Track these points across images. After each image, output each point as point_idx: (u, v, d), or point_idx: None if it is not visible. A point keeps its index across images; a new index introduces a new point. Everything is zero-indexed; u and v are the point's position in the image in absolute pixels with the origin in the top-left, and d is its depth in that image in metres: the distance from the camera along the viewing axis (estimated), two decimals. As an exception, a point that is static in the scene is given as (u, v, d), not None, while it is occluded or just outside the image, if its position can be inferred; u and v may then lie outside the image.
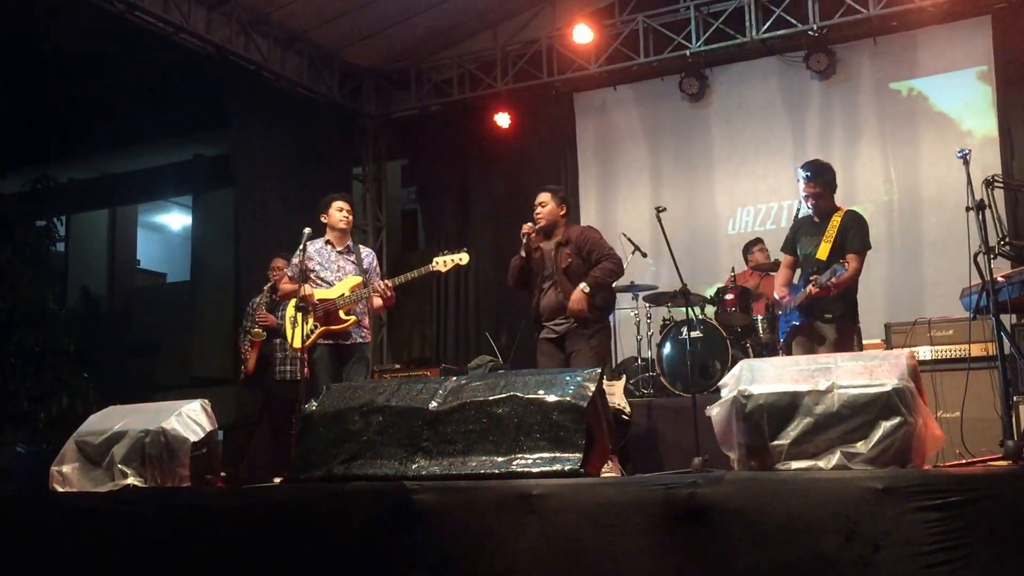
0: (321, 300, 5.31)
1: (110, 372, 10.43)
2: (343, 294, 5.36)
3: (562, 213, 5.32)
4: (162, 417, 4.30)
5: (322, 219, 5.60)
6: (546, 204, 5.29)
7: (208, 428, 4.39)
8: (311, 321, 5.28)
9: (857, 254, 4.94)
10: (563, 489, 3.12)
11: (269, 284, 6.62)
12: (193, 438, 4.27)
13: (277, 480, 5.76)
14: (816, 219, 5.16)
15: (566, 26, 9.05)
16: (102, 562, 3.78)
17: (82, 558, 3.83)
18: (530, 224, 5.25)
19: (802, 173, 5.11)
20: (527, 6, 9.38)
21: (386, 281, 5.40)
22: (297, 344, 5.16)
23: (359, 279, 5.46)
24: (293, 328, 5.17)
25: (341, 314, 5.32)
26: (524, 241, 5.25)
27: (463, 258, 5.38)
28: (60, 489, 4.35)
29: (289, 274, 5.54)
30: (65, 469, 4.38)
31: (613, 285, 5.37)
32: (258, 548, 3.51)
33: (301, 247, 5.34)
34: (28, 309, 9.21)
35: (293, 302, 5.26)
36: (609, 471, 4.92)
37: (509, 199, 9.49)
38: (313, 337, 5.28)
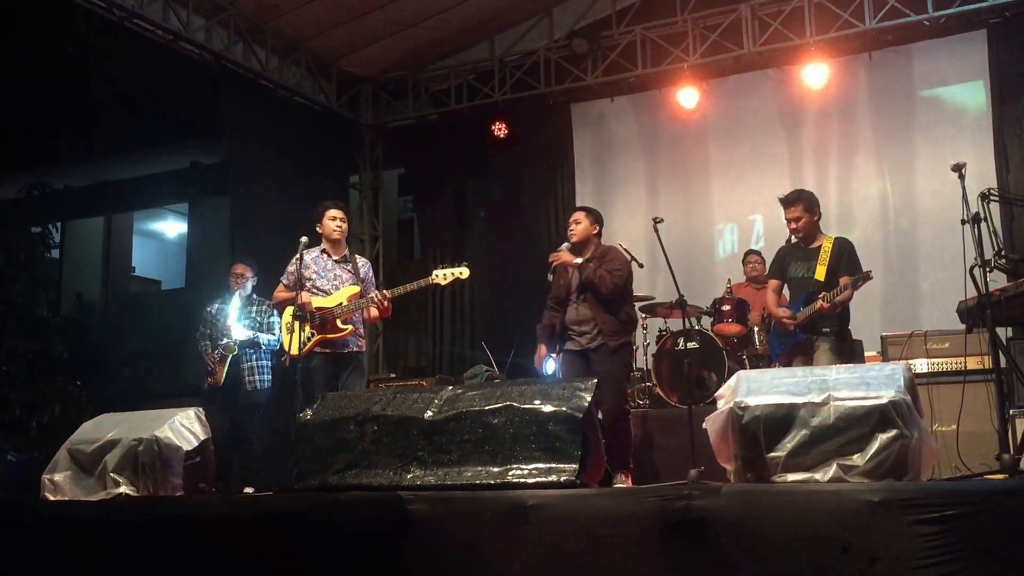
0: (318, 308, 5.30)
1: (103, 380, 10.38)
2: (341, 303, 5.35)
3: (595, 232, 5.39)
4: (155, 425, 4.29)
5: (317, 228, 5.58)
6: (580, 222, 5.36)
7: (202, 436, 4.38)
8: (308, 329, 5.27)
9: (850, 276, 5.10)
10: (559, 500, 3.12)
11: (233, 292, 6.39)
12: (186, 447, 4.26)
13: (248, 490, 5.74)
14: (803, 245, 5.35)
15: (563, 37, 9.08)
16: (94, 572, 3.75)
17: (74, 568, 3.80)
18: (560, 252, 5.29)
19: (781, 203, 5.33)
20: (525, 17, 9.40)
21: (384, 292, 5.38)
22: (294, 351, 5.13)
23: (356, 288, 5.44)
24: (289, 335, 5.14)
25: (339, 323, 5.31)
26: (550, 278, 5.34)
27: (463, 272, 5.35)
28: (52, 498, 4.32)
29: (285, 282, 5.52)
30: (57, 477, 4.36)
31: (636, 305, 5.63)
32: (252, 558, 3.49)
33: (297, 256, 5.33)
34: (21, 315, 9.18)
35: (289, 309, 5.24)
36: (622, 484, 4.91)
37: (505, 209, 9.50)
38: (310, 345, 5.27)
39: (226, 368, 6.18)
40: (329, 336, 5.31)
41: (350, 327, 5.35)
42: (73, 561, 3.81)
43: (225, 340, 6.17)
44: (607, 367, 5.09)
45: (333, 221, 5.52)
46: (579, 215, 5.43)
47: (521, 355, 7.41)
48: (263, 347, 6.27)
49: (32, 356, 9.21)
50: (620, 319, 5.28)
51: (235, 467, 6.29)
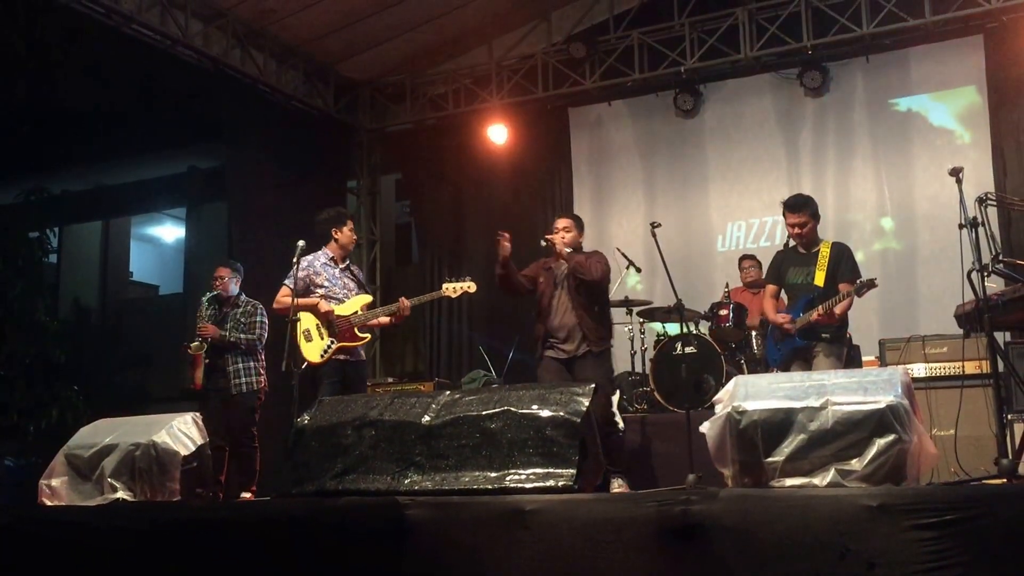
0: (337, 317, 5.40)
1: (101, 384, 10.36)
2: (356, 311, 5.49)
3: (581, 240, 5.48)
4: (153, 430, 4.28)
5: (333, 233, 5.64)
6: (571, 230, 5.40)
7: (199, 441, 4.37)
8: (327, 337, 5.38)
9: (850, 283, 5.09)
10: (557, 505, 3.11)
11: (213, 294, 6.19)
12: (184, 452, 4.25)
13: (247, 495, 5.75)
14: (802, 250, 5.32)
15: (561, 42, 9.09)
16: (90, 577, 3.74)
17: (71, 573, 3.79)
18: (557, 237, 5.31)
19: (785, 209, 5.30)
20: (522, 21, 9.41)
21: (405, 300, 5.50)
22: (316, 359, 5.30)
23: (368, 297, 5.63)
24: (308, 343, 5.26)
25: (356, 331, 5.47)
26: (544, 245, 5.34)
27: (471, 286, 5.48)
28: (49, 503, 4.31)
29: (289, 286, 5.52)
30: (54, 483, 4.35)
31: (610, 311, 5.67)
32: (250, 564, 3.48)
33: (295, 260, 5.36)
34: (19, 320, 9.16)
35: (307, 316, 5.34)
36: (620, 488, 4.92)
37: (503, 213, 9.49)
38: (330, 353, 5.36)
39: (200, 370, 5.97)
40: (348, 344, 5.44)
41: (368, 336, 5.55)
42: (70, 567, 3.80)
43: (195, 342, 5.96)
44: (592, 374, 5.05)
45: (353, 232, 5.68)
46: (567, 223, 5.46)
47: (522, 350, 7.40)
48: (242, 347, 6.04)
49: (30, 361, 9.19)
50: (604, 324, 5.35)
51: (231, 472, 6.22)
